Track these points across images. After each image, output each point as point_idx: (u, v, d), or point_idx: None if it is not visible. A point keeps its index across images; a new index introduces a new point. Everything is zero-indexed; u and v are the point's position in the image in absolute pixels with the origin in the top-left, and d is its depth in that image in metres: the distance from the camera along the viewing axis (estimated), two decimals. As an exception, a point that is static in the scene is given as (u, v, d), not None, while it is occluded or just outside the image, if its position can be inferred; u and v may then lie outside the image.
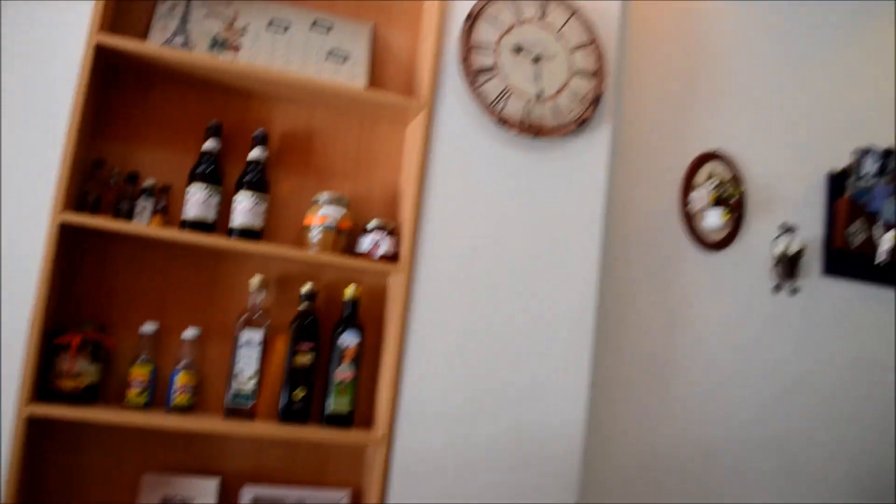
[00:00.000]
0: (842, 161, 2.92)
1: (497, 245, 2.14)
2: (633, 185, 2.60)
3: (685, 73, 2.75)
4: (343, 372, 2.01)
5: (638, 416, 2.56)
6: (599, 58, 2.25)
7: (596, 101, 2.23)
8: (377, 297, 2.18)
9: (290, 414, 1.97)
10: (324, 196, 2.05)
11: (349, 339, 2.02)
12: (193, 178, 1.96)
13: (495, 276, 2.13)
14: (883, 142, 2.90)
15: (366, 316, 2.13)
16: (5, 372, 1.74)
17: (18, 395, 1.73)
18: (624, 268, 2.56)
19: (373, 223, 2.07)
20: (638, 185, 2.61)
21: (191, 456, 2.02)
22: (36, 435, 1.84)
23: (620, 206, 2.55)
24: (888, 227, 2.89)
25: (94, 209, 1.90)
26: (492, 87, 2.15)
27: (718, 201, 2.59)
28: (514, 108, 2.16)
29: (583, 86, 2.23)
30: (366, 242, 2.05)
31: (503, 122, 2.15)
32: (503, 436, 2.09)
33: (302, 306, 2.03)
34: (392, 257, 2.06)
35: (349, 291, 2.06)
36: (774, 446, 2.76)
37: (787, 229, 2.77)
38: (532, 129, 2.17)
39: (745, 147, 2.78)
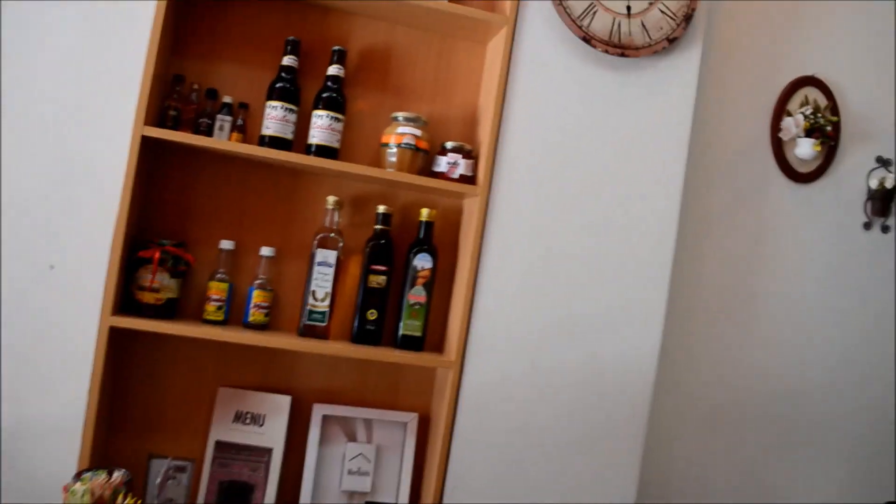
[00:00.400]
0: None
1: (577, 168, 2.06)
2: (722, 108, 2.46)
3: (783, -9, 2.56)
4: (416, 295, 1.99)
5: (714, 350, 2.49)
6: (694, -28, 2.11)
7: (688, 18, 2.10)
8: (452, 221, 2.14)
9: (363, 334, 1.97)
10: (401, 115, 2.00)
11: (423, 262, 1.99)
12: (272, 95, 1.93)
13: (574, 200, 2.06)
14: None
15: (440, 240, 2.09)
16: (90, 283, 1.77)
17: (102, 307, 1.76)
18: (708, 195, 2.45)
19: (451, 143, 2.01)
20: (727, 108, 2.47)
21: (265, 373, 2.04)
22: (119, 345, 1.88)
23: (708, 130, 2.42)
24: None
25: (175, 125, 1.89)
26: (578, 2, 2.04)
27: (812, 130, 2.44)
28: (600, 24, 2.05)
29: (674, 2, 2.10)
30: (443, 163, 2.00)
31: (589, 38, 2.04)
32: (574, 365, 2.05)
33: (377, 227, 2.00)
34: (469, 179, 2.00)
35: (424, 214, 2.02)
36: (859, 391, 2.66)
37: (884, 163, 2.61)
38: (619, 47, 2.06)
39: (843, 74, 2.59)
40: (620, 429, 2.08)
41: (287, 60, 1.95)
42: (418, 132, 1.98)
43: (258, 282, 1.95)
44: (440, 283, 2.08)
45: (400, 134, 1.97)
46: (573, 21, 2.03)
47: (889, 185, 2.56)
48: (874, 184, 2.58)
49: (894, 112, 2.68)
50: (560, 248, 2.05)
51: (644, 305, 2.10)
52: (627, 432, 2.08)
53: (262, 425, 1.96)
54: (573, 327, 2.05)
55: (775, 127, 2.49)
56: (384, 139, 1.99)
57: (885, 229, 2.63)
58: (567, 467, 2.04)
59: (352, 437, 2.03)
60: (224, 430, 1.94)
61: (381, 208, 2.01)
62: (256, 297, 1.93)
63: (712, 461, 2.49)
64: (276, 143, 1.91)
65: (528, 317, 2.03)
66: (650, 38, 2.08)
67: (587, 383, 2.06)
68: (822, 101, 2.53)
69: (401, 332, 1.99)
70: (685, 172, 2.13)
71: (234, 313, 1.97)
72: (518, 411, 2.02)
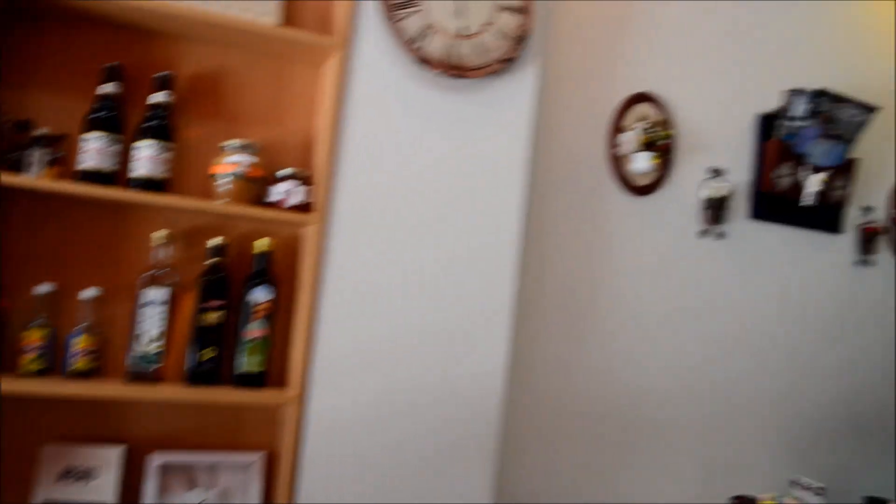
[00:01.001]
0: (772, 103, 2.89)
1: (417, 191, 2.05)
2: (560, 126, 2.51)
3: (617, 11, 2.63)
4: (254, 330, 1.91)
5: (562, 362, 2.52)
6: (526, -6, 2.15)
7: (522, 39, 2.13)
8: (290, 251, 2.07)
9: (199, 375, 1.87)
10: (233, 143, 1.92)
11: (261, 295, 1.92)
12: (90, 124, 1.81)
13: (415, 223, 2.04)
14: (813, 83, 2.86)
15: (279, 270, 2.02)
16: None
17: None
18: (549, 212, 2.48)
19: (284, 171, 1.95)
20: (565, 126, 2.52)
21: (94, 424, 1.91)
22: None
23: (547, 148, 2.45)
24: (816, 170, 2.88)
25: (-20, 160, 1.74)
26: (412, 24, 2.03)
27: (647, 144, 2.53)
28: (435, 46, 2.05)
29: (509, 23, 2.12)
30: (277, 192, 1.93)
31: (424, 60, 2.03)
32: (423, 388, 2.03)
33: (210, 261, 1.91)
34: (305, 207, 1.94)
35: (260, 244, 1.95)
36: (702, 391, 2.78)
37: (716, 173, 2.74)
38: (454, 69, 2.06)
39: (676, 89, 2.71)
40: (474, 446, 2.08)
41: (105, 88, 1.84)
42: (251, 160, 1.91)
43: (81, 326, 1.82)
44: (282, 312, 2.01)
45: (231, 163, 1.89)
46: (407, 43, 2.02)
47: (722, 194, 2.69)
48: (708, 193, 2.70)
49: (724, 125, 2.82)
50: (403, 271, 2.03)
51: (490, 322, 2.11)
52: (481, 448, 2.08)
53: (92, 481, 1.82)
54: (421, 349, 2.04)
55: (612, 142, 2.56)
56: (215, 169, 1.91)
57: (719, 236, 2.76)
58: (421, 488, 2.02)
59: (193, 484, 1.92)
60: (50, 490, 1.79)
61: (213, 241, 1.92)
62: (80, 342, 1.80)
63: (565, 470, 2.53)
64: (95, 177, 1.79)
65: (374, 343, 1.99)
66: (486, 58, 2.10)
67: (438, 403, 2.04)
68: (657, 117, 2.62)
69: (239, 369, 1.90)
70: (526, 190, 2.16)
71: (56, 362, 1.82)
72: (369, 436, 1.98)
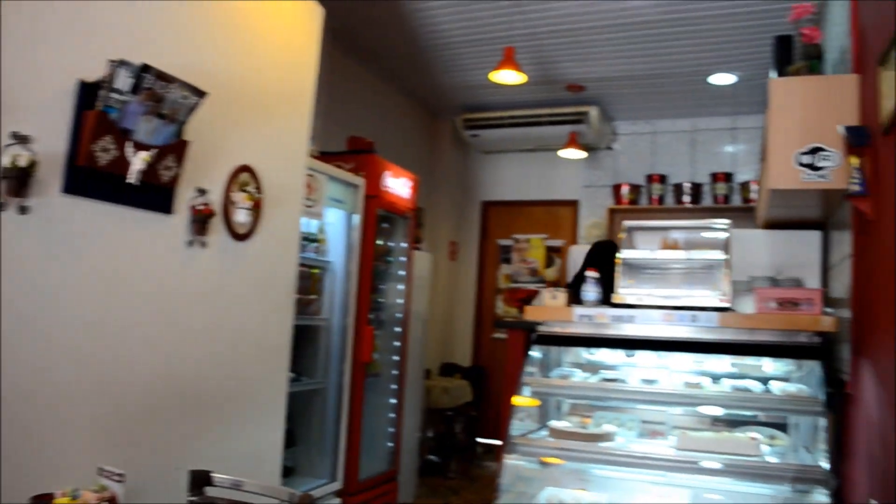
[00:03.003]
0: (96, 71, 2.71)
1: None
2: None
3: None
4: None
5: None
6: None
7: None
8: None
9: None
10: None
11: None
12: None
13: None
14: (143, 58, 2.76)
15: None
16: None
17: None
18: None
19: None
20: None
21: None
22: None
23: None
24: (142, 147, 2.81)
25: None
26: None
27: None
28: None
29: None
30: None
31: None
32: None
33: None
34: None
35: None
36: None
37: (21, 139, 2.45)
38: None
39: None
40: None
41: None
42: None
43: None
44: None
45: None
46: None
47: (23, 163, 2.41)
48: (6, 161, 2.39)
49: (37, 87, 2.54)
50: None
51: None
52: None
53: None
54: None
55: None
56: None
57: (23, 210, 2.48)
58: None
59: None
60: None
61: None
62: None
63: None
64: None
65: None
66: None
67: None
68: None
69: None
70: None
71: None
72: None
